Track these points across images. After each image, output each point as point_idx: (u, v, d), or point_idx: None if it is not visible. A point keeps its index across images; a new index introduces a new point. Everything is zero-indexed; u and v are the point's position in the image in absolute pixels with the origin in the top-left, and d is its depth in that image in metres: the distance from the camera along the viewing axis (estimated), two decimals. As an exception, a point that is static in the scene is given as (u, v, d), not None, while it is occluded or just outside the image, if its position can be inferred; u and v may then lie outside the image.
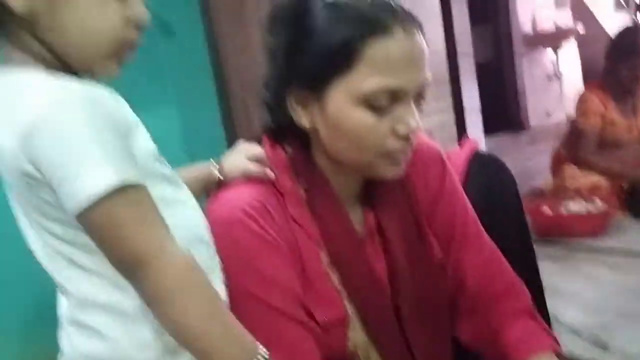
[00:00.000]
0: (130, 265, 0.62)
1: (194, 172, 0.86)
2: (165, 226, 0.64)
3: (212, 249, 0.74)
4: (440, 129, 2.15)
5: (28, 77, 0.65)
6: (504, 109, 3.46)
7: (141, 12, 0.69)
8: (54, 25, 0.65)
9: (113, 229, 0.61)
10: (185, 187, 0.75)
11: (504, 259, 0.90)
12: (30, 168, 0.60)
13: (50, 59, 0.66)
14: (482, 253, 0.89)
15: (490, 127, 2.89)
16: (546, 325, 0.88)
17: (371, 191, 0.86)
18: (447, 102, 2.28)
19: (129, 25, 0.68)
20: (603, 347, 1.40)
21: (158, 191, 0.66)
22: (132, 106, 0.74)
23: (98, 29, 0.66)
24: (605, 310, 1.64)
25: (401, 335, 0.83)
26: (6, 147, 0.61)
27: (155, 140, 0.76)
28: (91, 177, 0.59)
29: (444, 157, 0.91)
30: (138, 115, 0.72)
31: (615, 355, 1.38)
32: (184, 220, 0.70)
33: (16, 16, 0.63)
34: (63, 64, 0.67)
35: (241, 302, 0.74)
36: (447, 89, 2.28)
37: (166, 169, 0.72)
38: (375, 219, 0.85)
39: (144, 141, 0.69)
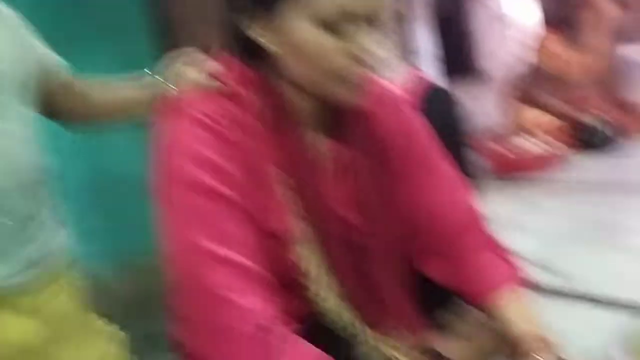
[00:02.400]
0: None
1: (137, 86, 0.87)
2: None
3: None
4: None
5: None
6: (455, 53, 3.48)
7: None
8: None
9: None
10: (17, 119, 0.78)
11: (469, 193, 0.92)
12: None
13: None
14: (448, 188, 0.91)
15: (447, 71, 2.93)
16: (507, 255, 0.89)
17: (341, 124, 0.85)
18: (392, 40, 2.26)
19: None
20: (551, 271, 1.49)
21: None
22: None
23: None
24: (556, 237, 1.76)
25: (361, 266, 0.84)
26: None
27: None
28: None
29: (409, 100, 0.93)
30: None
31: (560, 277, 1.46)
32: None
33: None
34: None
35: (179, 189, 0.72)
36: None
37: None
38: (344, 152, 0.85)
39: None
